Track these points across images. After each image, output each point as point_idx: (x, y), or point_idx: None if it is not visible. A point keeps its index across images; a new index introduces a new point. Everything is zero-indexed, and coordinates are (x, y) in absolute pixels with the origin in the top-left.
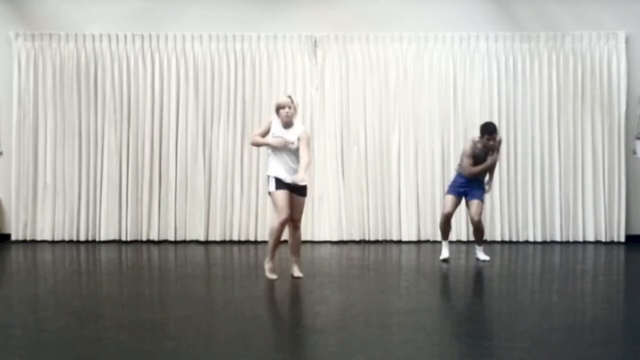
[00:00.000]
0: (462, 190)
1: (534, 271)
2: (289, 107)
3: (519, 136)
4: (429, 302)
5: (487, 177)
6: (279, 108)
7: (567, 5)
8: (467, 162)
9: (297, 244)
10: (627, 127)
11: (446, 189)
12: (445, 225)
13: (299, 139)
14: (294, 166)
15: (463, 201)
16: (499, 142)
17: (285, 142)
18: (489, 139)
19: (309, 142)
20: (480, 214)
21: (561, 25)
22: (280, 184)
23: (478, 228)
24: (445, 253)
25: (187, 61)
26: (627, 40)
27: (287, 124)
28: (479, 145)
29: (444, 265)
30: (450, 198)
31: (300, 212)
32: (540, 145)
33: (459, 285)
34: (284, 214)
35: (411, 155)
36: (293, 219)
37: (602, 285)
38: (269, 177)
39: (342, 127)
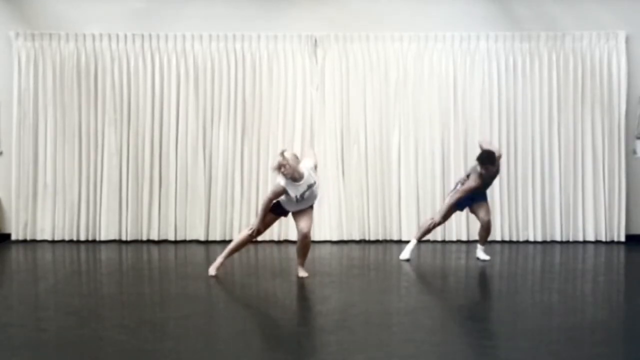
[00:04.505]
0: (468, 202)
1: (534, 271)
2: (283, 166)
3: (519, 136)
4: (429, 302)
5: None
6: (277, 169)
7: (567, 5)
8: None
9: (302, 251)
10: (627, 127)
11: (453, 197)
12: (432, 230)
13: (316, 173)
14: (303, 203)
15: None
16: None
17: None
18: (490, 168)
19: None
20: (489, 214)
21: (561, 25)
22: (280, 208)
23: (488, 228)
24: (407, 254)
25: (187, 61)
26: (627, 40)
27: (296, 178)
28: (484, 173)
29: (444, 265)
30: (452, 209)
31: (306, 221)
32: (540, 145)
33: (459, 285)
34: (257, 228)
35: (411, 155)
36: (298, 227)
37: (602, 285)
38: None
39: (342, 127)
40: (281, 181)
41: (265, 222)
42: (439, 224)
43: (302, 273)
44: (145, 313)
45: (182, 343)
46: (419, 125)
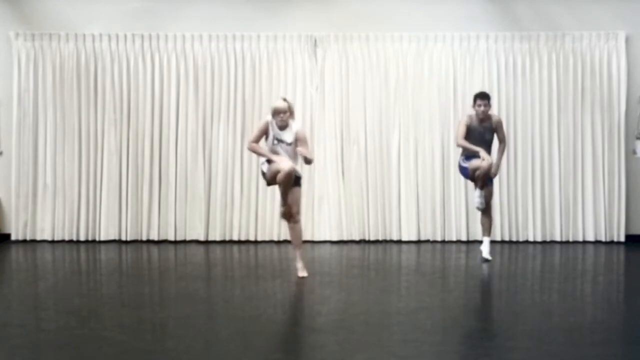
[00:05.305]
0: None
1: (534, 271)
2: (284, 112)
3: (519, 136)
4: (429, 302)
5: (495, 160)
6: (275, 113)
7: (567, 5)
8: (461, 129)
9: (298, 238)
10: (627, 127)
11: (463, 163)
12: (486, 173)
13: (296, 140)
14: (291, 160)
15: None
16: (500, 123)
17: (292, 168)
18: (480, 105)
19: (305, 140)
20: (492, 196)
21: (561, 25)
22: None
23: (488, 211)
24: (478, 203)
25: (187, 61)
26: (627, 40)
27: (283, 127)
28: (475, 118)
29: (445, 265)
30: (474, 160)
31: (297, 204)
32: (540, 145)
33: (459, 285)
34: (282, 166)
35: (411, 155)
36: (290, 212)
37: (602, 285)
38: (262, 166)
39: (342, 127)
40: (268, 117)
41: (280, 159)
42: (487, 164)
43: (302, 273)
44: (145, 313)
45: (182, 343)
46: (419, 125)
